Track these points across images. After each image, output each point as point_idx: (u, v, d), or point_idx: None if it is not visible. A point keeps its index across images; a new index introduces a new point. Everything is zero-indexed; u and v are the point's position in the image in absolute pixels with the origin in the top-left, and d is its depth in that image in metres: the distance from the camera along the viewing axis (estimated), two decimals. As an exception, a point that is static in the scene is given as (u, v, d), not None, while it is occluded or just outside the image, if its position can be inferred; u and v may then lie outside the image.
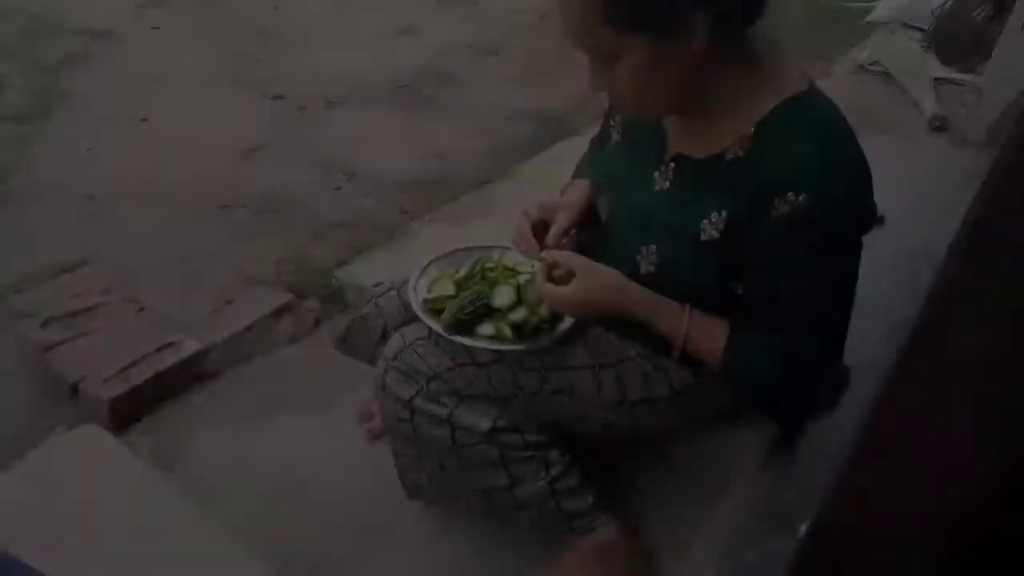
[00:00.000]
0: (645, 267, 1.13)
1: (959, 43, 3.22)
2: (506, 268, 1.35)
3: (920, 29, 3.42)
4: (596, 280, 1.13)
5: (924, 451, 0.41)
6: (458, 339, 1.23)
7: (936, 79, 3.08)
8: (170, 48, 3.60)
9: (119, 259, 2.22)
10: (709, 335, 1.11)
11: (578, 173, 1.42)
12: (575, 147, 2.94)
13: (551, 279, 1.16)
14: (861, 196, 1.02)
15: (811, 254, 1.00)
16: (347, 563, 1.41)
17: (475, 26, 3.97)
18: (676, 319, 1.12)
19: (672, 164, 1.12)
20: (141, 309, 2.00)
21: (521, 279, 1.31)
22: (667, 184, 1.13)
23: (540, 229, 1.28)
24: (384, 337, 1.34)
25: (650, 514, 1.46)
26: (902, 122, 2.85)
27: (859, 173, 1.02)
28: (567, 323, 1.28)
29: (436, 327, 1.24)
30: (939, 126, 2.77)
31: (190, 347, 1.86)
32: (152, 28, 3.78)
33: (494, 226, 2.41)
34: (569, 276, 1.14)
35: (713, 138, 1.05)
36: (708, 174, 1.06)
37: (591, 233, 1.33)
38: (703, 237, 1.06)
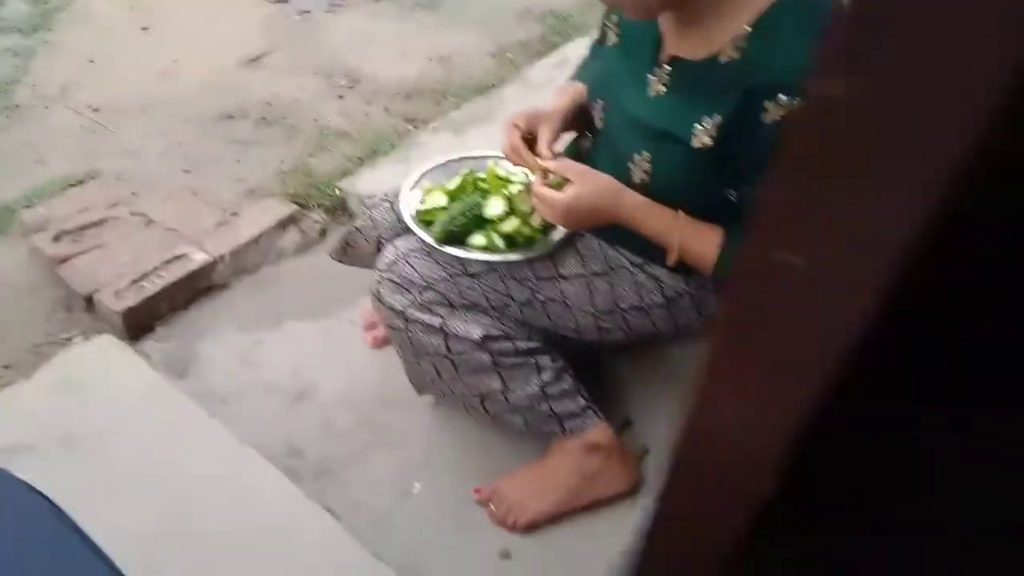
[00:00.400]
0: (639, 175, 1.12)
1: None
2: (498, 177, 1.34)
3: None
4: (590, 186, 1.12)
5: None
6: (449, 250, 1.24)
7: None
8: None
9: (126, 172, 2.24)
10: (701, 241, 1.10)
11: (577, 75, 1.39)
12: (584, 48, 2.86)
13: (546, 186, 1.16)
14: None
15: None
16: (351, 462, 1.49)
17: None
18: (669, 226, 1.11)
19: (667, 67, 1.09)
20: (149, 222, 2.03)
21: (513, 189, 1.31)
22: (662, 88, 1.10)
23: (531, 140, 1.26)
24: (380, 249, 1.36)
25: (641, 414, 1.50)
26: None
27: None
28: (559, 233, 1.28)
29: (428, 238, 1.25)
30: None
31: (198, 259, 1.89)
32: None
33: (496, 132, 2.37)
34: (563, 183, 1.14)
35: (708, 38, 1.02)
36: (703, 77, 1.03)
37: (590, 140, 1.31)
38: (695, 144, 1.04)
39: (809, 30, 0.95)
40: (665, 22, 1.10)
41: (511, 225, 1.27)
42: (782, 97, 0.94)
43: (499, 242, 1.26)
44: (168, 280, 1.84)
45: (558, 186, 1.15)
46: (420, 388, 1.42)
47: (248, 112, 2.52)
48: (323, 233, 2.09)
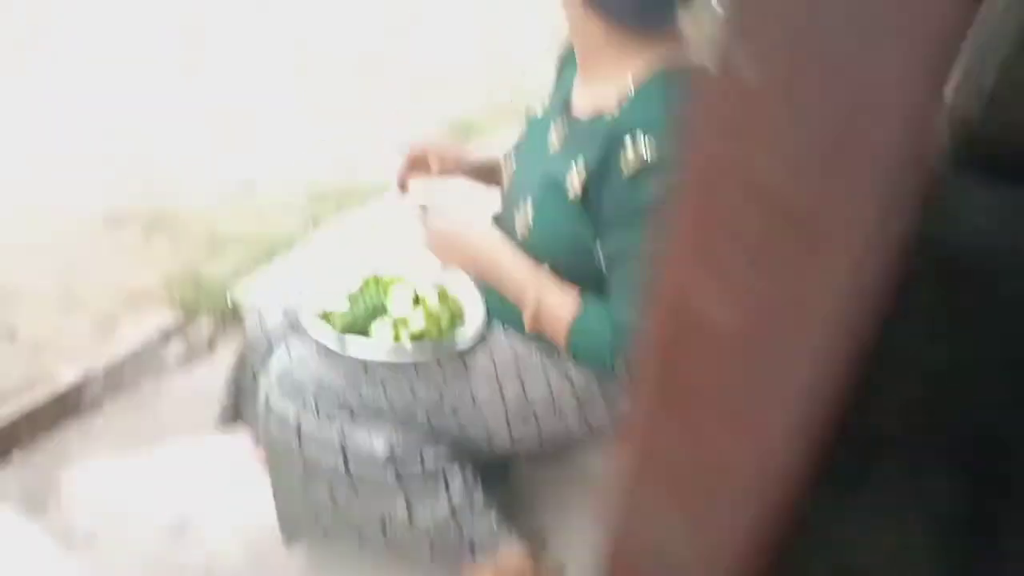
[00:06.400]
0: (521, 227, 1.12)
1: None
2: (399, 277, 1.28)
3: None
4: (464, 218, 1.15)
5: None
6: (352, 350, 1.14)
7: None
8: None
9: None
10: (559, 305, 1.07)
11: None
12: (486, 149, 2.90)
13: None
14: None
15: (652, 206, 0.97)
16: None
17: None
18: (528, 276, 1.10)
19: (564, 123, 1.13)
20: (14, 335, 1.83)
21: (418, 285, 1.25)
22: (557, 144, 1.13)
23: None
24: (269, 354, 1.25)
25: (557, 527, 1.41)
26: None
27: None
28: (470, 329, 1.22)
29: (328, 336, 1.15)
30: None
31: (67, 377, 1.71)
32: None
33: (386, 235, 2.34)
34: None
35: (600, 98, 1.06)
36: (587, 132, 1.06)
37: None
38: (569, 194, 1.04)
39: (679, 96, 0.98)
40: (576, 86, 1.14)
41: (419, 322, 1.20)
42: (640, 145, 0.96)
43: (406, 341, 1.18)
44: (30, 403, 1.64)
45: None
46: (293, 532, 1.29)
47: (132, 213, 2.38)
48: (210, 344, 1.94)
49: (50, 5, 3.76)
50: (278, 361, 1.18)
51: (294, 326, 1.25)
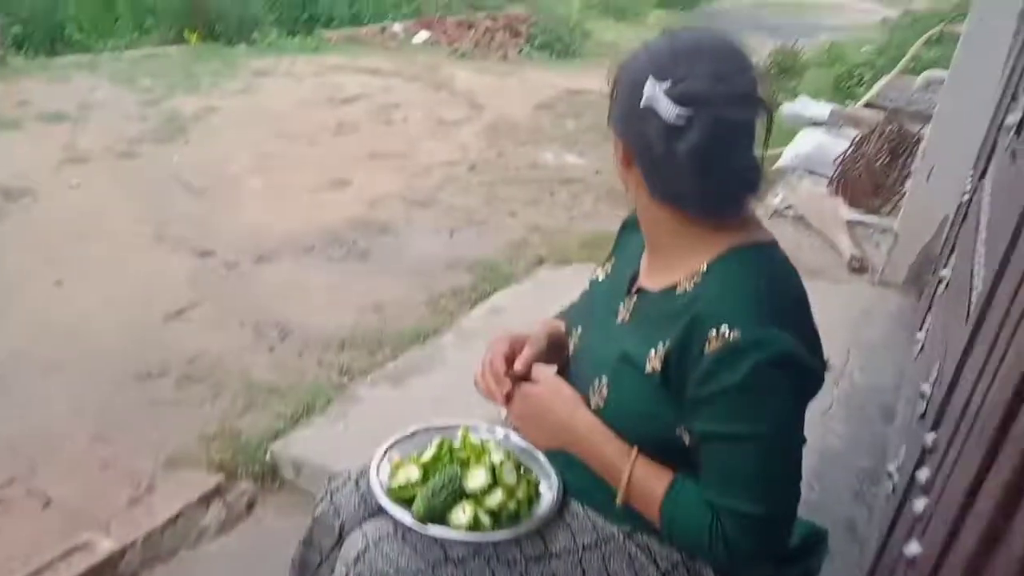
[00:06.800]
0: (595, 400, 1.10)
1: (861, 187, 3.48)
2: (474, 446, 1.26)
3: (824, 176, 3.69)
4: (552, 388, 1.14)
5: None
6: (433, 531, 1.11)
7: (848, 221, 3.28)
8: (90, 205, 3.50)
9: (24, 441, 2.00)
10: (652, 478, 1.04)
11: (561, 313, 1.39)
12: (515, 296, 2.96)
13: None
14: (799, 346, 0.98)
15: (742, 396, 0.96)
16: None
17: (406, 179, 4.05)
18: (621, 456, 1.06)
19: (634, 297, 1.13)
20: (48, 503, 1.77)
21: (494, 458, 1.22)
22: (627, 316, 1.13)
23: (508, 363, 1.21)
24: (341, 539, 1.20)
25: None
26: (824, 264, 2.98)
27: (799, 324, 1.01)
28: (546, 503, 1.18)
29: (407, 518, 1.12)
30: (857, 267, 2.91)
31: (104, 548, 1.64)
32: (71, 187, 3.67)
33: (438, 383, 2.33)
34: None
35: (671, 273, 1.07)
36: (660, 307, 1.06)
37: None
38: (647, 370, 1.03)
39: (760, 274, 1.01)
40: (644, 261, 1.16)
41: (496, 499, 1.17)
42: (724, 328, 0.95)
43: (485, 519, 1.14)
44: (67, 573, 1.56)
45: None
46: None
47: (166, 369, 2.37)
48: (250, 506, 1.88)
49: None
50: (353, 545, 1.13)
51: (367, 504, 1.21)
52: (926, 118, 3.78)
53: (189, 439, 2.04)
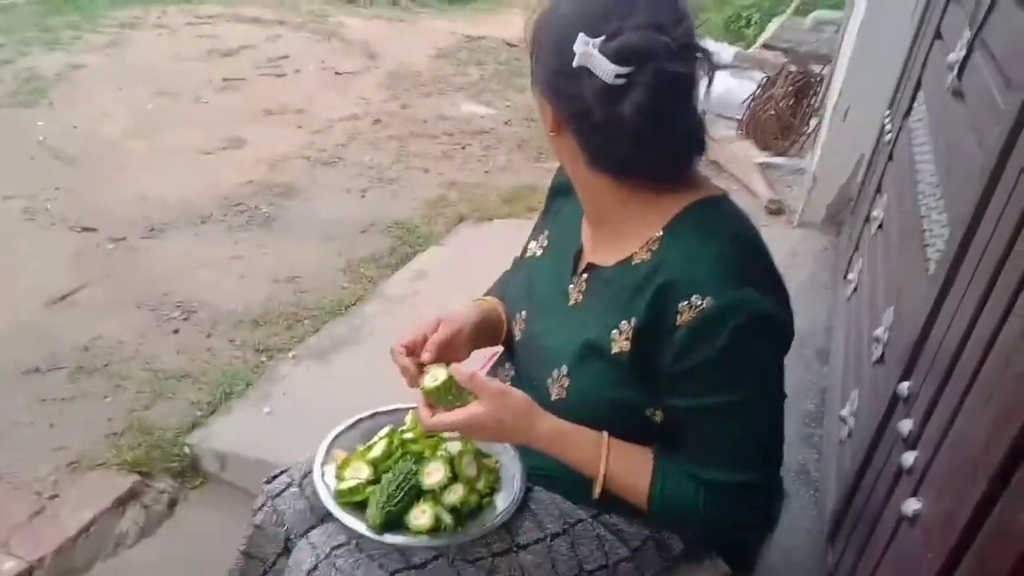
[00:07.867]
0: (556, 391, 1.03)
1: (769, 128, 3.53)
2: (427, 435, 1.16)
3: (733, 119, 3.72)
4: (497, 404, 0.97)
5: None
6: (391, 540, 1.01)
7: (759, 163, 3.33)
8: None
9: None
10: (631, 472, 0.99)
11: (492, 289, 1.29)
12: (439, 257, 2.83)
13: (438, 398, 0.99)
14: (771, 303, 0.94)
15: (723, 366, 0.92)
16: None
17: (306, 136, 3.80)
18: (594, 449, 0.99)
19: (584, 275, 1.04)
20: (-70, 527, 1.55)
21: (452, 447, 1.13)
22: (580, 297, 1.05)
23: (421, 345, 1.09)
24: (287, 549, 1.09)
25: None
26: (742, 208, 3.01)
27: (765, 275, 0.96)
28: (508, 493, 1.10)
29: (361, 528, 1.02)
30: (775, 209, 2.96)
31: (7, 569, 1.46)
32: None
33: (367, 356, 2.20)
34: (462, 396, 0.99)
35: (623, 245, 0.99)
36: (617, 282, 0.99)
37: (506, 369, 1.19)
38: (613, 350, 0.96)
39: (721, 233, 0.94)
40: (587, 233, 1.07)
41: (457, 495, 1.08)
42: (695, 297, 0.90)
43: (446, 517, 1.06)
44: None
45: (454, 400, 1.00)
46: None
47: (59, 362, 2.13)
48: (172, 506, 1.73)
49: None
50: (302, 557, 1.02)
51: (314, 510, 1.10)
52: (822, 58, 3.88)
53: (93, 438, 1.85)
